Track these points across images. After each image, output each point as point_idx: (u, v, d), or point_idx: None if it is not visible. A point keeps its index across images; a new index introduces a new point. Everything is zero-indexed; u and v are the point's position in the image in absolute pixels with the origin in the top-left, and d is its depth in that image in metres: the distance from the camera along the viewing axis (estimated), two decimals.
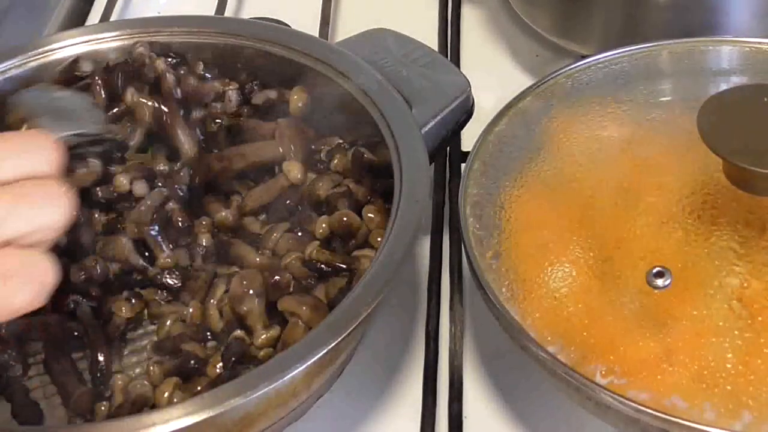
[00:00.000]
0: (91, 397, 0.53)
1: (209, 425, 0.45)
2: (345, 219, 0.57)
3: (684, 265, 0.52)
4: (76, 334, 0.56)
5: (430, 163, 0.59)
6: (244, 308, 0.54)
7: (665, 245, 0.53)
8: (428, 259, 0.64)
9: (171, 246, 0.58)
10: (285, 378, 0.46)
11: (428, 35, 0.79)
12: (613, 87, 0.62)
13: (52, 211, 0.44)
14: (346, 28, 0.84)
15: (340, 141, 0.63)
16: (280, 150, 0.61)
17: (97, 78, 0.64)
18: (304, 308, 0.53)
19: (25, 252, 0.43)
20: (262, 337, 0.53)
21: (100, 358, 0.55)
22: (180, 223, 0.59)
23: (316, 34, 0.79)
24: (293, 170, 0.60)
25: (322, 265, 0.56)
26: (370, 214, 0.57)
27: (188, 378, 0.52)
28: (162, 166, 0.61)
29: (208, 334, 0.55)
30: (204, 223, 0.59)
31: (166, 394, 0.51)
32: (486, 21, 0.85)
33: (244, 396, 0.45)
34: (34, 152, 0.45)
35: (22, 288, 0.42)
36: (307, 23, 0.79)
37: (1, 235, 0.42)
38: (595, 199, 0.56)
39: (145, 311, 0.58)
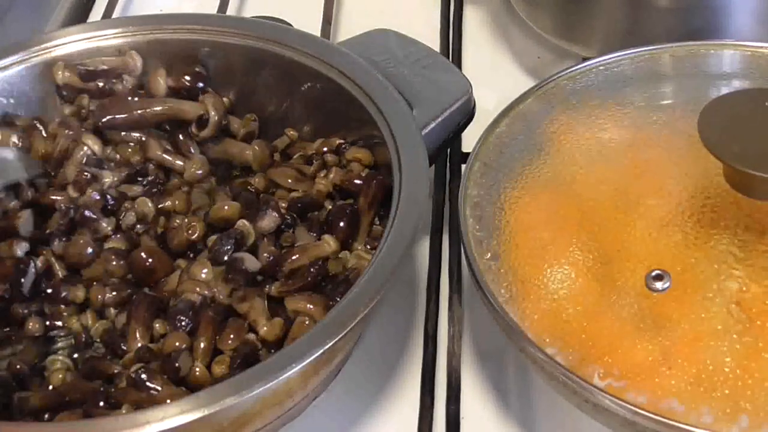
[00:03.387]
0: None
1: (204, 424, 0.45)
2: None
3: (683, 268, 0.52)
4: None
5: (431, 165, 0.59)
6: (246, 305, 0.54)
7: (665, 248, 0.53)
8: (428, 259, 0.64)
9: None
10: (281, 378, 0.46)
11: (430, 36, 0.79)
12: (615, 89, 0.62)
13: None
14: (348, 28, 0.84)
15: (341, 141, 0.63)
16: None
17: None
18: (310, 306, 0.53)
19: None
20: (265, 328, 0.53)
21: None
22: None
23: (318, 34, 0.79)
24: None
25: None
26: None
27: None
28: None
29: None
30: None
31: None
32: (488, 22, 0.85)
33: (239, 395, 0.45)
34: None
35: None
36: (310, 23, 0.79)
37: None
38: (595, 201, 0.56)
39: None
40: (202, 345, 0.52)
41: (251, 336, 0.53)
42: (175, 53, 0.67)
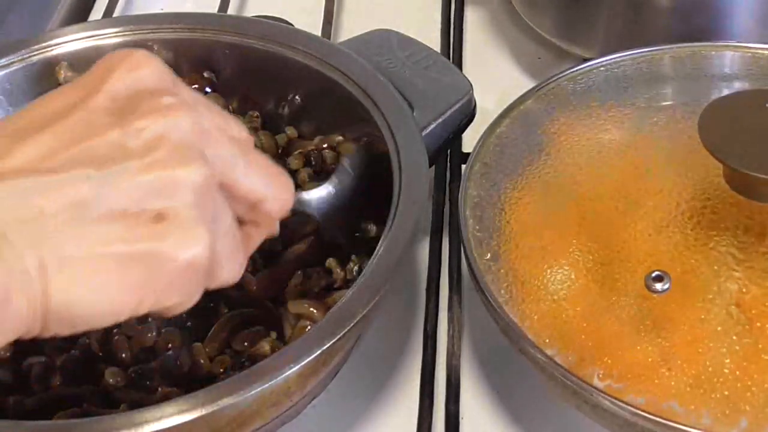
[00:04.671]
0: None
1: (202, 424, 0.45)
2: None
3: (683, 269, 0.52)
4: None
5: (431, 165, 0.59)
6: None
7: (664, 249, 0.53)
8: (428, 259, 0.64)
9: None
10: (279, 378, 0.46)
11: (431, 37, 0.79)
12: (615, 90, 0.62)
13: (279, 192, 0.39)
14: (349, 28, 0.83)
15: (341, 138, 0.63)
16: None
17: None
18: (313, 310, 0.53)
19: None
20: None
21: None
22: None
23: (319, 34, 0.79)
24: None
25: None
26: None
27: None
28: None
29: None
30: None
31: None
32: (489, 23, 0.85)
33: (237, 395, 0.45)
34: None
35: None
36: (310, 22, 0.79)
37: (227, 178, 0.37)
38: (595, 202, 0.56)
39: None
40: (211, 341, 0.52)
41: (266, 347, 0.53)
42: (176, 53, 0.67)
